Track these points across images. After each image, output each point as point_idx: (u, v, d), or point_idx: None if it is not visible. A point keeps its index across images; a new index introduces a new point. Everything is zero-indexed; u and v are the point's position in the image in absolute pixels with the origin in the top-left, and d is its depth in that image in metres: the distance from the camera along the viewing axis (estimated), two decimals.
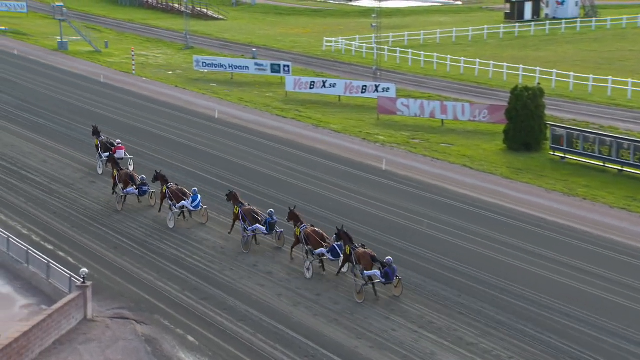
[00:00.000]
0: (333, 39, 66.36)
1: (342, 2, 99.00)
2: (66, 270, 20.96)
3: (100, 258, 23.73)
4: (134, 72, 53.25)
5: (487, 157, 34.70)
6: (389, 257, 21.46)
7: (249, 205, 24.86)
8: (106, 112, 41.54)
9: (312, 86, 47.43)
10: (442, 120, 40.60)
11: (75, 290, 20.00)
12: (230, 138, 37.49)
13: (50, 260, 21.43)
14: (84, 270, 20.09)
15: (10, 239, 22.83)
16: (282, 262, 23.52)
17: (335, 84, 47.14)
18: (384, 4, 77.69)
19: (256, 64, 53.26)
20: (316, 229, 22.94)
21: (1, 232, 23.37)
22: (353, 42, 64.43)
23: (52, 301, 20.61)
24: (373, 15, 58.67)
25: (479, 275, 22.46)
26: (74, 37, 66.31)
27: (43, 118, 39.28)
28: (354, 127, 40.28)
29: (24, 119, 38.58)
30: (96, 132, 32.99)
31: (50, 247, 24.37)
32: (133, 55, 54.21)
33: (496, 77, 51.65)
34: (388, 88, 45.01)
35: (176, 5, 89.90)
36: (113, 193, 28.25)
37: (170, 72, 55.20)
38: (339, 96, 47.33)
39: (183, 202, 26.25)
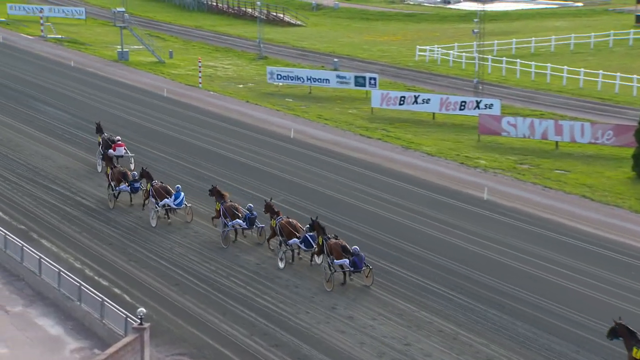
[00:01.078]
0: (427, 47, 66.30)
1: (439, 5, 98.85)
2: (122, 309, 21.42)
3: (160, 296, 24.22)
4: (200, 85, 54.54)
5: (611, 186, 33.83)
6: (355, 246, 24.94)
7: (230, 201, 28.26)
8: (169, 131, 42.62)
9: (402, 102, 47.41)
10: (557, 142, 39.85)
11: (131, 332, 20.40)
12: (308, 161, 37.81)
13: (104, 298, 21.98)
14: (142, 310, 20.49)
15: (62, 274, 23.56)
16: (365, 304, 23.46)
17: (429, 99, 47.00)
18: (487, 7, 77.20)
19: (338, 77, 53.69)
20: (291, 220, 26.48)
21: (52, 265, 24.15)
22: (451, 51, 64.20)
23: (106, 345, 21.07)
24: (475, 20, 58.35)
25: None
26: (136, 46, 68.50)
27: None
28: (450, 150, 39.98)
29: (80, 139, 39.98)
30: (99, 130, 36.58)
31: (105, 282, 25.03)
32: (200, 67, 55.57)
33: (624, 91, 50.41)
34: (491, 104, 44.56)
35: (249, 10, 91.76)
36: (109, 190, 31.43)
37: (241, 86, 56.26)
38: (434, 113, 47.13)
39: (166, 199, 29.29)
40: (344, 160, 38.03)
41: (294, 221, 26.55)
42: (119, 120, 44.30)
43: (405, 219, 30.39)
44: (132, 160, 35.74)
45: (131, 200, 31.29)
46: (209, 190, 29.10)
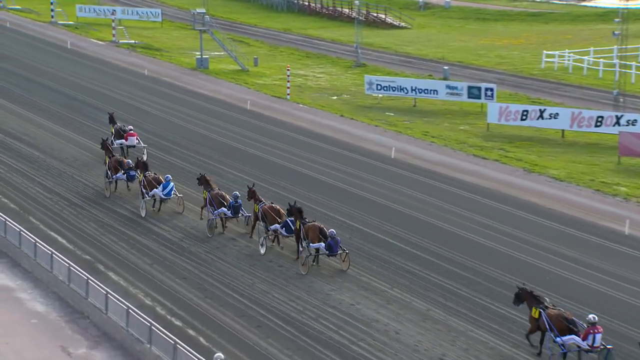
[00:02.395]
0: (556, 52, 65.46)
1: (572, 2, 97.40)
2: (197, 354, 21.69)
3: (240, 339, 24.47)
4: (288, 97, 55.24)
5: None
6: (332, 229, 28.36)
7: (218, 189, 32.07)
8: (251, 148, 43.23)
9: (524, 117, 46.89)
10: None
11: None
12: (410, 184, 37.76)
13: (177, 341, 22.31)
14: (220, 355, 20.75)
15: (131, 312, 24.11)
16: None
17: (557, 113, 46.37)
18: (631, 4, 75.46)
19: (448, 87, 53.54)
20: (273, 206, 30.17)
21: (120, 302, 24.74)
22: (585, 57, 63.18)
23: None
24: (616, 20, 57.20)
25: None
26: (216, 52, 69.93)
27: (177, 157, 41.50)
28: (583, 174, 39.29)
29: (152, 157, 40.91)
30: (112, 120, 41.89)
31: (178, 322, 25.46)
32: (288, 76, 56.31)
33: None
34: (635, 120, 43.63)
35: (346, 11, 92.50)
36: (105, 179, 35.97)
37: (335, 97, 56.67)
38: (563, 131, 46.45)
39: (155, 190, 33.15)
40: (453, 185, 37.82)
41: (277, 206, 30.21)
42: (196, 136, 45.23)
43: (528, 255, 29.95)
44: (145, 151, 40.01)
45: (128, 187, 36.00)
46: (197, 179, 33.21)
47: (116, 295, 25.12)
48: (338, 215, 33.82)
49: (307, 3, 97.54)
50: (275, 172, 39.29)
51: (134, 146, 40.56)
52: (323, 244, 28.08)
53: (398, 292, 27.17)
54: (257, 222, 30.57)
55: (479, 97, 52.02)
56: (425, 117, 51.18)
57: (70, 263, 27.25)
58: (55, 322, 25.95)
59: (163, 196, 33.42)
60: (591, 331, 22.23)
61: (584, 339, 22.28)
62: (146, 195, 33.52)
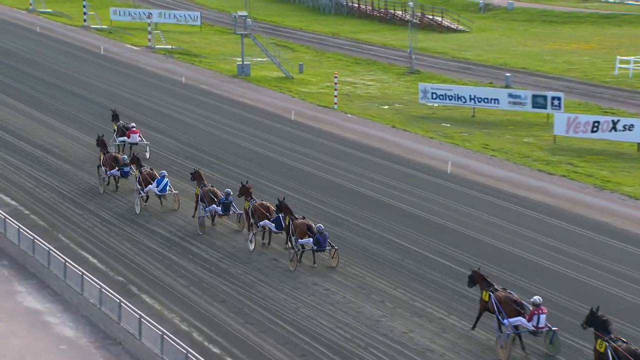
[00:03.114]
0: (631, 58, 64.83)
1: None
2: None
3: None
4: (335, 106, 55.37)
5: None
6: (320, 224, 30.72)
7: (211, 185, 34.67)
8: (295, 162, 43.36)
9: (595, 128, 46.51)
10: None
11: None
12: (468, 202, 37.62)
13: None
14: None
15: (165, 337, 24.26)
16: None
17: (632, 125, 45.95)
18: None
19: (510, 96, 53.30)
20: (264, 203, 32.67)
21: (154, 327, 24.92)
22: None
23: None
24: None
25: None
26: (259, 58, 70.35)
27: (217, 171, 41.76)
28: None
29: (188, 170, 41.23)
30: (115, 117, 44.84)
31: (216, 350, 25.56)
32: (336, 83, 56.45)
33: None
34: None
35: (398, 13, 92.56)
36: (99, 175, 38.85)
37: (386, 107, 56.69)
38: (638, 144, 45.97)
39: (150, 186, 35.84)
40: (516, 203, 37.61)
41: (267, 203, 32.70)
42: (236, 149, 45.47)
43: (599, 280, 29.68)
44: (148, 149, 43.46)
45: (117, 183, 38.79)
46: (191, 174, 35.74)
47: (150, 320, 25.30)
48: (389, 234, 33.80)
49: (356, 5, 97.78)
50: (322, 188, 39.36)
51: (136, 144, 43.55)
52: (310, 240, 30.51)
53: (455, 319, 27.06)
54: (248, 218, 32.97)
55: (544, 107, 51.69)
56: (485, 129, 50.97)
57: (102, 285, 27.55)
58: (85, 348, 26.20)
59: (158, 192, 36.05)
60: (536, 312, 24.49)
61: (529, 320, 24.54)
62: (141, 192, 36.09)
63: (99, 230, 34.51)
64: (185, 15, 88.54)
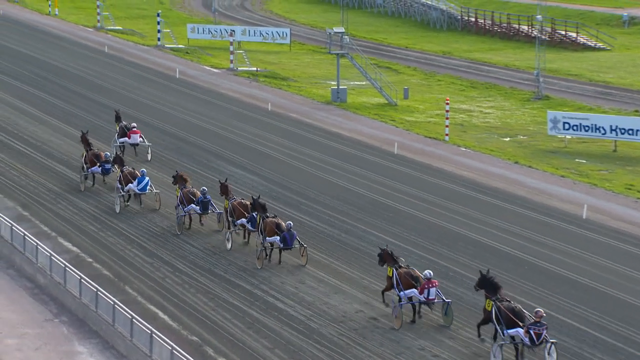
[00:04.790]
0: None
1: None
2: None
3: None
4: (447, 138, 55.15)
5: None
6: (289, 222, 35.58)
7: (191, 187, 39.43)
8: (400, 203, 43.21)
9: None
10: None
11: None
12: (611, 255, 37.06)
13: None
14: None
15: None
16: None
17: None
18: None
19: None
20: (242, 201, 37.44)
21: None
22: None
23: None
24: None
25: None
26: (357, 82, 70.58)
27: (306, 213, 41.79)
28: None
29: (280, 214, 41.37)
30: (118, 118, 50.28)
31: None
32: (448, 111, 56.25)
33: None
34: None
35: (523, 28, 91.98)
36: (80, 172, 44.09)
37: (508, 139, 56.25)
38: None
39: (130, 184, 41.01)
40: None
41: (246, 202, 37.36)
42: (329, 188, 45.47)
43: None
44: (149, 150, 48.79)
45: (104, 181, 44.23)
46: (173, 177, 40.57)
47: None
48: (513, 291, 33.30)
49: (473, 19, 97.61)
50: (430, 234, 39.13)
51: (137, 144, 49.19)
52: (277, 237, 35.16)
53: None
54: (227, 216, 37.74)
55: None
56: (629, 166, 50.17)
57: (174, 345, 27.70)
58: None
59: (138, 191, 41.23)
60: (426, 286, 30.49)
61: (420, 293, 30.54)
62: (121, 190, 41.33)
63: (171, 282, 34.83)
64: (272, 33, 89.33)
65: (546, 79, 68.06)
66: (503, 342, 28.16)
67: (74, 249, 38.22)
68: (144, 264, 36.58)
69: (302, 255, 35.84)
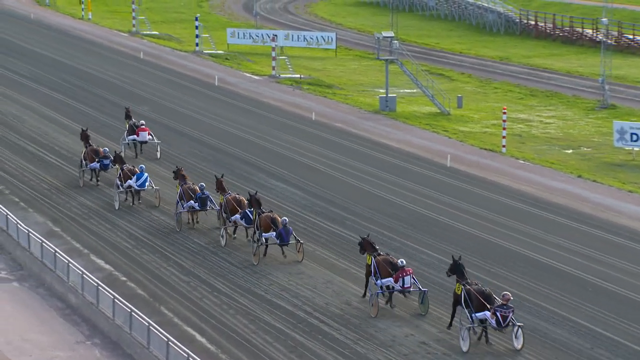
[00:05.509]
0: None
1: None
2: None
3: None
4: (504, 149, 54.98)
5: None
6: (285, 217, 37.48)
7: (193, 183, 41.60)
8: (454, 220, 43.18)
9: None
10: None
11: None
12: None
13: None
14: None
15: None
16: None
17: None
18: None
19: None
20: (237, 196, 39.72)
21: None
22: None
23: None
24: None
25: None
26: (407, 90, 70.54)
27: (351, 229, 41.86)
28: None
29: (320, 230, 41.35)
30: (128, 115, 53.15)
31: None
32: (505, 121, 56.05)
33: None
34: None
35: (587, 32, 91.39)
36: (79, 169, 47.31)
37: (570, 151, 56.01)
38: None
39: (129, 181, 43.43)
40: None
41: (240, 197, 39.66)
42: (376, 202, 45.46)
43: None
44: (159, 149, 51.89)
45: (98, 176, 46.95)
46: (174, 172, 42.96)
47: None
48: (576, 315, 33.25)
49: (533, 22, 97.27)
50: (485, 253, 39.05)
51: (145, 142, 52.05)
52: (273, 233, 37.27)
53: None
54: (221, 212, 40.00)
55: None
56: None
57: None
58: None
59: (137, 187, 43.64)
60: (401, 275, 32.81)
61: (396, 281, 32.87)
62: (120, 187, 43.83)
63: (209, 302, 34.94)
64: (317, 37, 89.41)
65: (612, 87, 67.69)
66: (471, 325, 30.58)
67: (107, 266, 38.46)
68: (180, 282, 36.74)
69: (298, 252, 37.86)
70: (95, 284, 34.06)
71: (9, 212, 41.18)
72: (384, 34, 68.90)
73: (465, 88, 72.69)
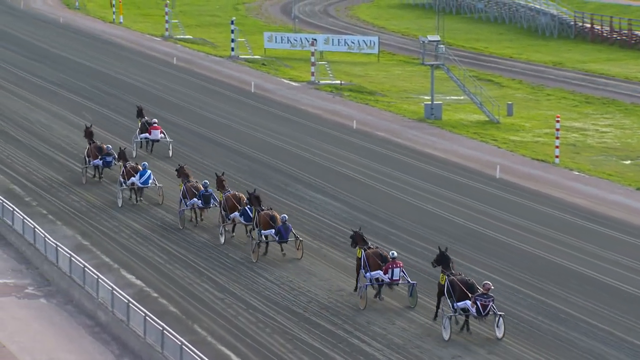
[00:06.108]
0: None
1: None
2: None
3: None
4: (557, 160, 54.82)
5: None
6: (284, 215, 39.44)
7: (196, 181, 43.80)
8: (504, 235, 43.16)
9: None
10: None
11: None
12: None
13: None
14: None
15: None
16: None
17: None
18: None
19: None
20: (236, 194, 41.64)
21: None
22: None
23: None
24: None
25: None
26: (454, 97, 70.54)
27: (396, 245, 41.88)
28: None
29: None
30: (140, 114, 55.19)
31: None
32: (558, 130, 55.89)
33: None
34: None
35: None
36: (82, 166, 49.86)
37: (629, 162, 55.82)
38: None
39: (132, 178, 45.54)
40: None
41: (240, 194, 41.56)
42: (421, 215, 45.49)
43: None
44: (171, 147, 53.91)
45: (101, 173, 49.49)
46: (176, 170, 45.15)
47: None
48: (635, 337, 33.03)
49: (589, 25, 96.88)
50: (537, 270, 39.00)
51: (158, 140, 53.98)
52: (272, 230, 39.11)
53: None
54: (220, 210, 41.74)
55: None
56: None
57: None
58: None
59: (140, 184, 45.77)
60: (390, 266, 34.72)
61: (385, 273, 34.77)
62: (123, 184, 45.98)
63: (244, 320, 35.02)
64: (358, 41, 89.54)
65: None
66: (452, 314, 32.66)
67: (138, 282, 38.62)
68: (214, 299, 36.85)
69: (297, 249, 39.80)
70: (126, 301, 34.14)
71: (36, 225, 41.33)
72: (430, 37, 68.88)
73: (515, 95, 72.55)
